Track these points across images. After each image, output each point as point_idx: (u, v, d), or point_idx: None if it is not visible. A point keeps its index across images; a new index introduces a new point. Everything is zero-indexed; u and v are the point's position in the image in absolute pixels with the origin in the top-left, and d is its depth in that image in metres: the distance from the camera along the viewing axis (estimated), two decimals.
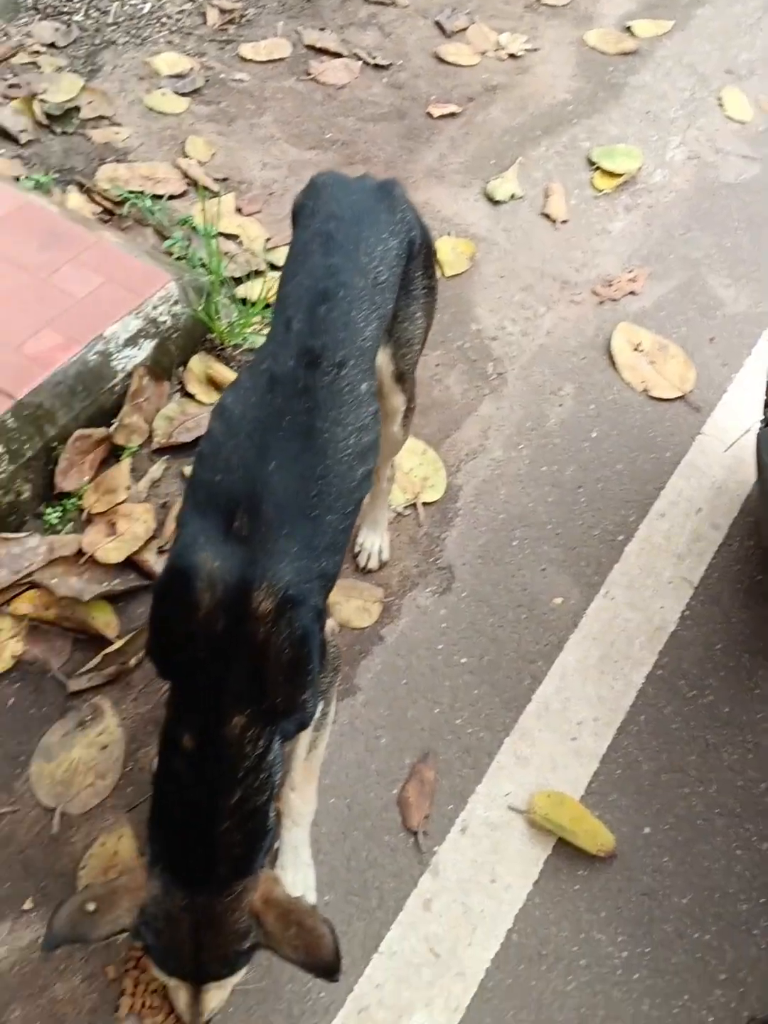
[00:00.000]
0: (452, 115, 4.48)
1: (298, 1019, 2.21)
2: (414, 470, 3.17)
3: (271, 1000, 2.22)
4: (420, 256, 2.38)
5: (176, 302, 3.18)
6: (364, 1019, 2.23)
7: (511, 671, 2.81)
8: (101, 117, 4.02)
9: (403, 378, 2.49)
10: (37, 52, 4.15)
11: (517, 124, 4.53)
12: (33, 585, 2.65)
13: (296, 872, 2.34)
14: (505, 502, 3.19)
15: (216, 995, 1.95)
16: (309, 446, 1.95)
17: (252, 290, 3.42)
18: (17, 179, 3.52)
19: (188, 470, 3.03)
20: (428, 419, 3.33)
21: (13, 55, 4.09)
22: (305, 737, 2.26)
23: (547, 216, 4.11)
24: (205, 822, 1.83)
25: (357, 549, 2.95)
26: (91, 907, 1.79)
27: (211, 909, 1.84)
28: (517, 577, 3.01)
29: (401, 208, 2.33)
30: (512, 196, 4.17)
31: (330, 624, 2.18)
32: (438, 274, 2.53)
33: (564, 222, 4.11)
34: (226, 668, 1.81)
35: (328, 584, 2.03)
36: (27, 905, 2.24)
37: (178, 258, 3.47)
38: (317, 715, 2.18)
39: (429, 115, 4.46)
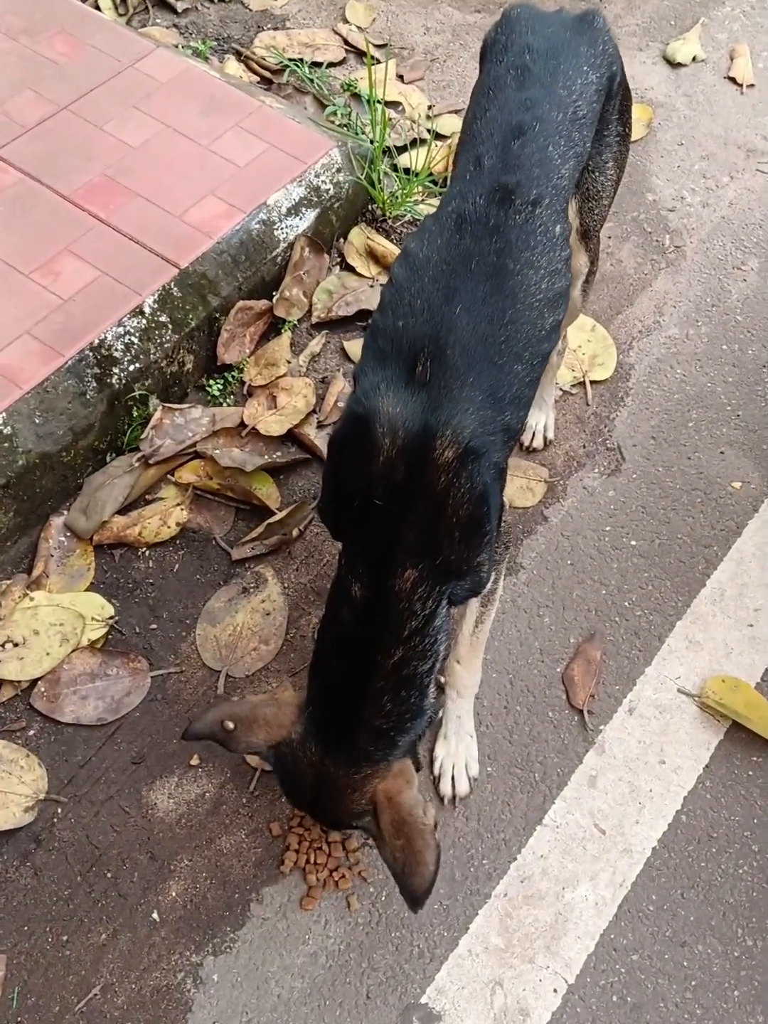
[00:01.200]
0: None
1: (461, 883, 2.26)
2: (582, 347, 3.09)
3: (439, 868, 2.27)
4: (617, 96, 2.28)
5: (339, 170, 3.16)
6: (526, 887, 2.27)
7: (684, 555, 2.75)
8: None
9: (588, 235, 2.41)
10: None
11: None
12: (197, 455, 2.72)
13: (460, 742, 2.38)
14: (681, 382, 3.08)
15: None
16: (498, 288, 1.90)
17: (414, 159, 3.36)
18: (176, 47, 3.53)
19: (348, 345, 3.04)
20: (598, 294, 3.23)
21: None
22: (472, 611, 2.26)
23: (732, 80, 3.90)
24: (362, 676, 1.84)
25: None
26: (229, 726, 1.90)
27: (335, 779, 1.88)
28: (693, 460, 2.92)
29: (603, 40, 2.23)
30: (694, 59, 3.96)
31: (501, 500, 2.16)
32: (631, 116, 2.41)
33: (751, 86, 3.89)
34: (403, 518, 1.80)
35: (511, 439, 1.98)
36: (194, 761, 2.34)
37: (340, 126, 3.43)
38: (487, 587, 2.18)
39: None
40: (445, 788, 2.34)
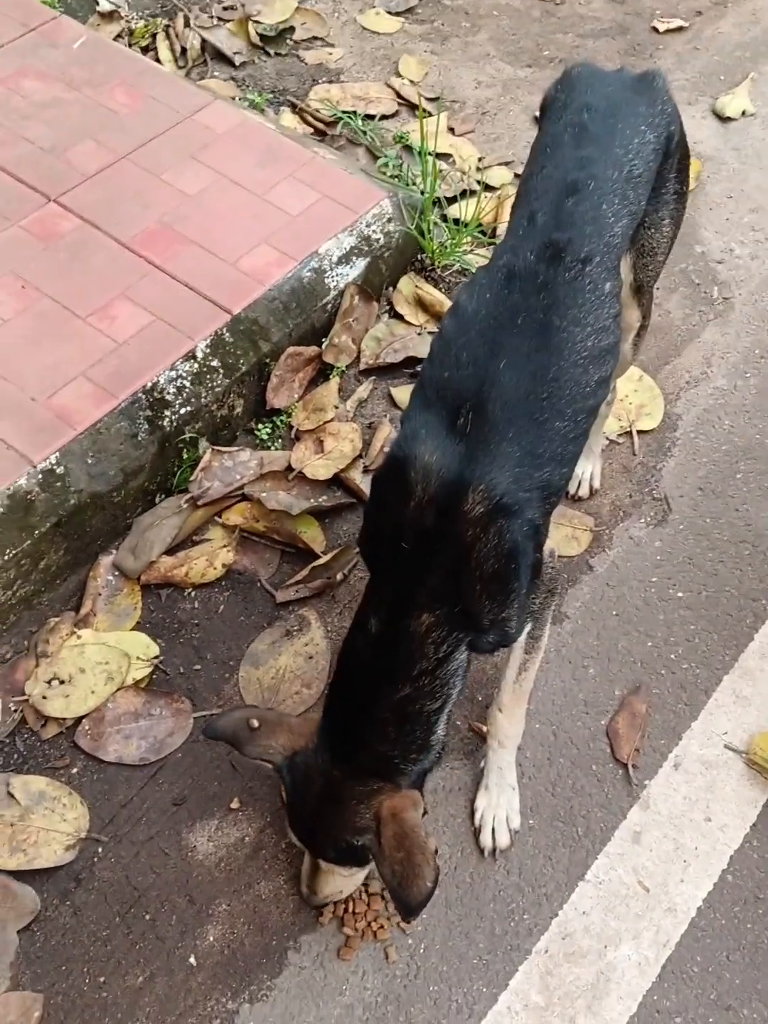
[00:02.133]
0: (679, 29, 4.32)
1: (501, 938, 2.22)
2: (629, 397, 3.09)
3: (473, 917, 2.24)
4: (675, 155, 2.29)
5: (389, 220, 3.20)
6: (568, 945, 2.23)
7: (731, 608, 2.72)
8: (314, 38, 4.07)
9: (642, 290, 2.42)
10: None
11: (750, 38, 4.32)
12: (244, 498, 2.74)
13: (501, 794, 2.35)
14: (729, 433, 3.07)
15: (330, 881, 2.07)
16: (543, 345, 1.92)
17: (464, 210, 3.39)
18: (233, 99, 3.61)
19: (395, 391, 3.06)
20: (646, 344, 3.21)
21: None
22: (515, 659, 2.25)
23: None
24: (366, 703, 1.90)
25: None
26: (255, 724, 1.98)
27: (339, 788, 1.93)
28: (741, 511, 2.90)
29: (662, 100, 2.25)
30: (743, 113, 3.99)
31: (548, 544, 2.15)
32: (690, 175, 2.42)
33: None
34: (427, 563, 1.84)
35: (550, 497, 1.99)
36: (234, 804, 2.34)
37: (392, 177, 3.48)
38: (525, 636, 2.17)
39: (654, 30, 4.30)
40: (485, 840, 2.31)
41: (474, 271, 2.13)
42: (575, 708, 2.55)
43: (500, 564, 1.86)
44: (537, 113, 2.38)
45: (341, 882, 2.09)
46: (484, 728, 2.42)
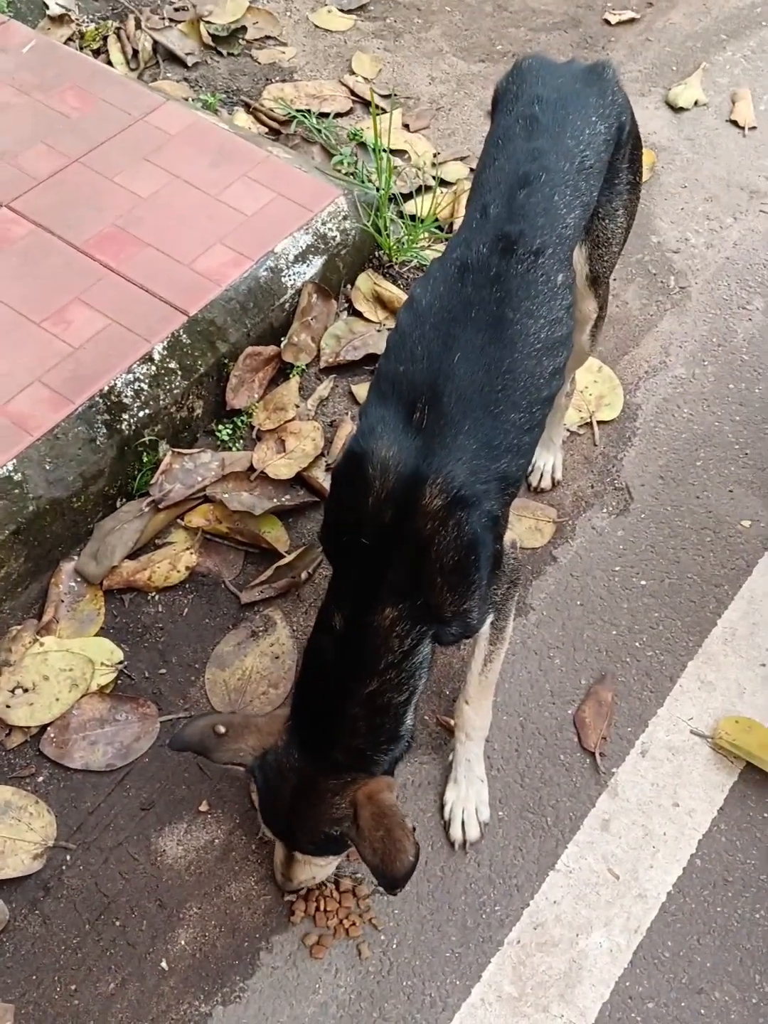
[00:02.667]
0: (631, 21, 4.34)
1: (473, 931, 2.23)
2: (589, 388, 3.10)
3: (445, 910, 2.25)
4: (627, 146, 2.30)
5: (345, 217, 3.19)
6: (540, 934, 2.23)
7: (694, 594, 2.74)
8: (267, 37, 4.06)
9: (598, 281, 2.43)
10: None
11: (700, 29, 4.34)
12: (206, 499, 2.73)
13: (470, 786, 2.35)
14: (688, 421, 3.09)
15: (305, 869, 2.08)
16: (497, 337, 1.92)
17: (420, 206, 3.40)
18: (185, 100, 3.59)
19: (356, 389, 3.06)
20: (604, 335, 3.23)
21: None
22: (480, 651, 2.26)
23: (734, 123, 3.95)
24: (335, 701, 1.91)
25: (529, 469, 2.91)
26: (221, 730, 1.97)
27: (315, 783, 1.94)
28: (701, 498, 2.92)
29: (612, 90, 2.26)
30: (695, 103, 4.01)
31: (510, 536, 2.17)
32: (642, 165, 2.44)
33: (753, 128, 3.93)
34: (387, 558, 1.85)
35: (508, 489, 2.00)
36: (203, 807, 2.33)
37: (347, 174, 3.48)
38: (488, 628, 2.19)
39: (606, 22, 4.32)
40: (455, 833, 2.32)
41: (429, 264, 2.12)
42: (542, 698, 2.56)
43: (460, 556, 1.87)
44: (490, 107, 2.38)
45: (315, 869, 2.10)
46: (451, 722, 2.43)
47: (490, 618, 2.17)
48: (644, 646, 2.65)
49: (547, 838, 2.36)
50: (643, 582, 2.76)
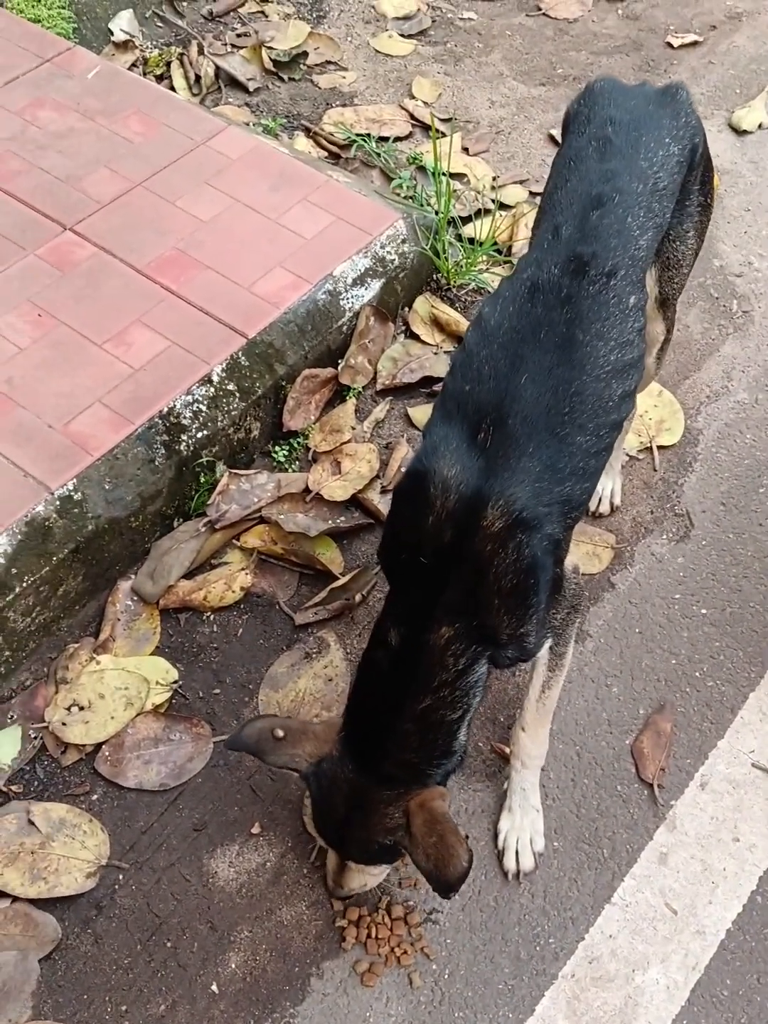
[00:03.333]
0: (694, 44, 4.33)
1: (526, 963, 2.20)
2: (649, 412, 3.08)
3: (498, 942, 2.22)
4: (699, 168, 2.31)
5: (404, 241, 3.21)
6: (595, 969, 2.20)
7: (756, 624, 2.70)
8: (328, 62, 4.11)
9: (667, 304, 2.42)
10: (265, 0, 4.27)
11: (764, 51, 4.33)
12: (262, 520, 2.75)
13: (525, 815, 2.33)
14: (751, 447, 3.05)
15: (357, 877, 2.09)
16: (566, 359, 1.92)
17: (479, 229, 3.41)
18: (247, 125, 3.64)
19: (412, 411, 3.07)
20: (667, 360, 3.22)
21: (241, 4, 4.23)
22: (538, 678, 2.24)
23: None
24: (388, 715, 1.92)
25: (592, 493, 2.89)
26: (279, 734, 2.00)
27: (369, 794, 1.95)
28: (764, 525, 2.88)
29: (685, 112, 2.26)
30: (760, 126, 3.99)
31: (571, 561, 2.15)
32: (713, 188, 2.44)
33: None
34: (446, 577, 1.84)
35: (571, 513, 1.98)
36: (255, 829, 2.33)
37: (406, 197, 3.50)
38: (547, 653, 2.17)
39: (668, 45, 4.32)
40: (509, 863, 2.30)
41: (498, 284, 2.13)
42: (599, 727, 2.53)
43: (519, 579, 1.87)
44: (555, 131, 2.41)
45: (367, 877, 2.11)
46: (507, 749, 2.41)
47: (548, 643, 2.15)
48: (704, 676, 2.61)
49: (603, 870, 2.33)
50: (704, 611, 2.73)
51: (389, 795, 1.95)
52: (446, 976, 2.18)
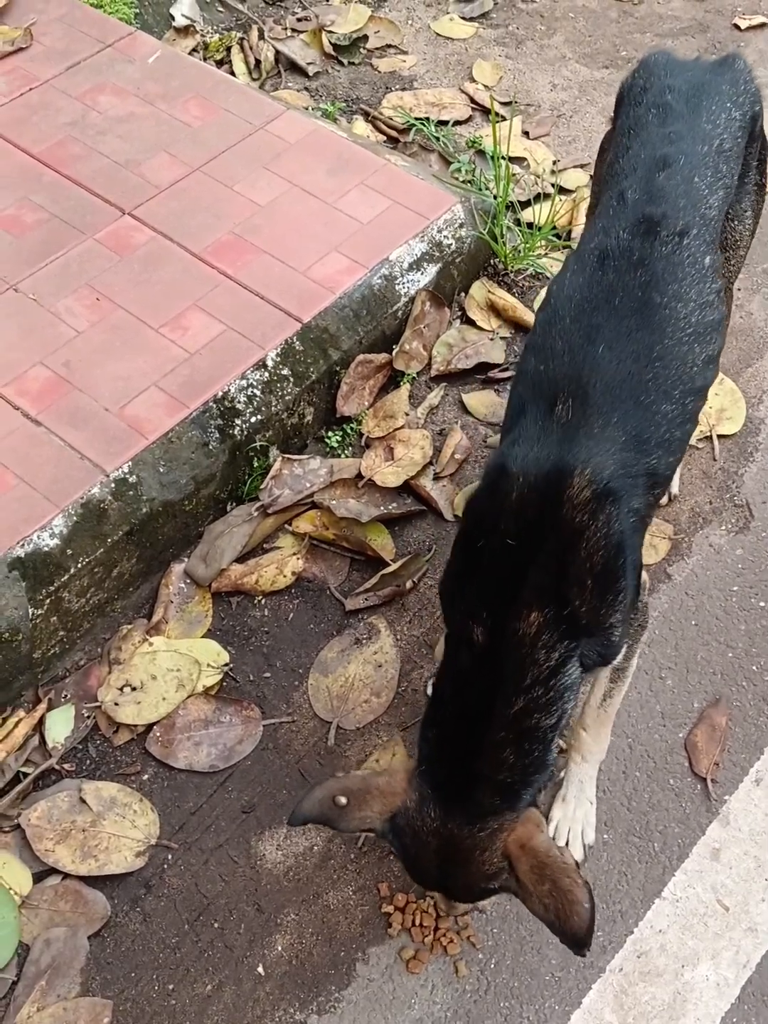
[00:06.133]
0: (761, 26, 4.25)
1: (573, 957, 2.16)
2: (710, 401, 3.01)
3: (544, 932, 2.14)
4: (758, 142, 2.26)
5: (461, 225, 3.19)
6: (644, 963, 2.18)
7: None
8: (388, 46, 4.08)
9: (724, 288, 2.36)
10: None
11: None
12: (314, 506, 2.75)
13: (578, 807, 2.31)
14: None
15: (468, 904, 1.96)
16: (645, 323, 1.86)
17: (538, 214, 3.37)
18: (306, 109, 3.64)
19: (466, 398, 3.05)
20: (727, 347, 3.13)
21: None
22: (601, 685, 2.17)
23: None
24: (479, 726, 1.74)
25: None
26: (342, 801, 1.79)
27: (460, 841, 1.77)
28: None
29: (744, 78, 2.24)
30: None
31: (643, 577, 2.06)
32: None
33: None
34: (532, 556, 1.72)
35: (656, 487, 1.90)
36: None
37: (464, 182, 3.47)
38: (619, 659, 2.03)
39: (735, 27, 4.24)
40: None
41: (565, 259, 2.09)
42: (652, 720, 2.50)
43: (608, 555, 1.75)
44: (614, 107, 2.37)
45: (480, 904, 1.98)
46: (562, 743, 2.38)
47: (623, 650, 2.01)
48: (762, 670, 2.56)
49: (654, 865, 2.30)
50: (762, 603, 2.68)
51: (482, 837, 1.76)
52: (492, 965, 2.17)
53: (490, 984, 2.15)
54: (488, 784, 1.77)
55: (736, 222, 2.26)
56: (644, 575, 2.06)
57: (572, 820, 2.31)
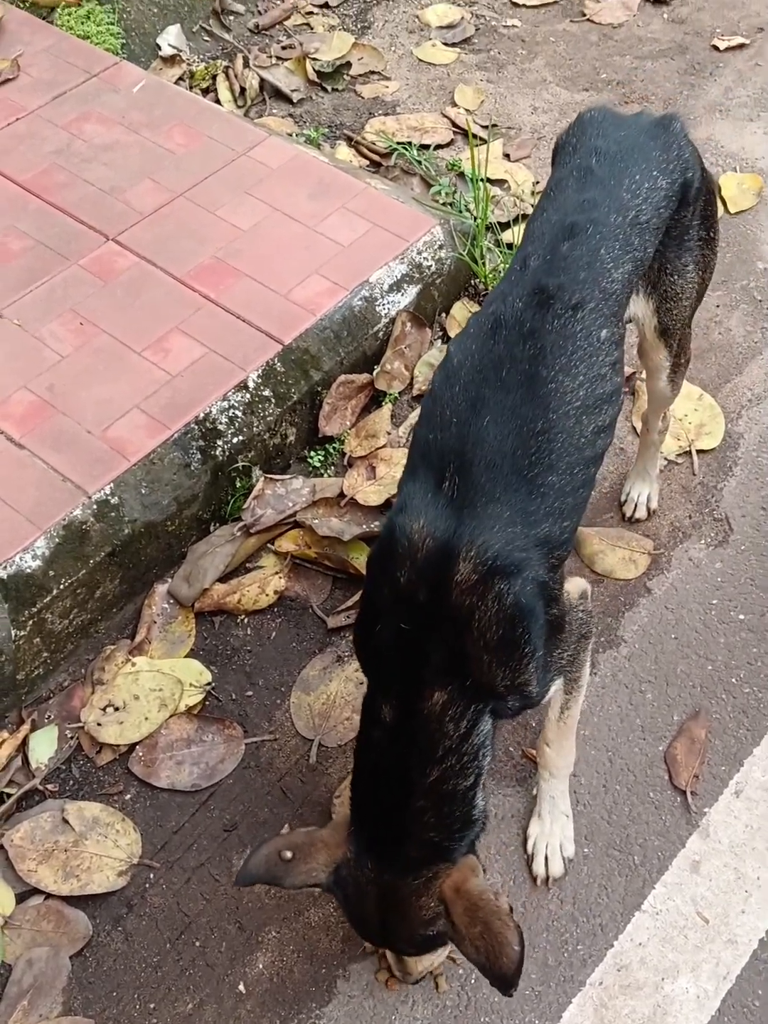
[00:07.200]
0: (740, 47, 4.28)
1: (554, 969, 2.18)
2: (688, 417, 3.04)
3: (526, 947, 2.17)
4: (697, 203, 2.23)
5: (441, 247, 3.22)
6: (623, 976, 2.18)
7: None
8: (371, 72, 4.13)
9: (668, 333, 2.36)
10: (310, 13, 4.32)
11: None
12: (297, 525, 2.77)
13: (553, 822, 2.31)
14: None
15: (421, 962, 1.98)
16: (530, 397, 1.84)
17: (518, 235, 3.39)
18: (289, 136, 3.68)
19: None
20: (705, 363, 3.19)
21: (287, 18, 4.28)
22: (556, 701, 2.17)
23: None
24: (398, 798, 1.80)
25: (623, 498, 2.87)
26: (288, 855, 1.84)
27: (397, 890, 1.82)
28: None
29: (677, 145, 2.19)
30: None
31: (581, 587, 2.09)
32: (718, 221, 2.38)
33: None
34: (426, 639, 1.75)
35: (554, 553, 1.89)
36: (285, 830, 2.33)
37: (444, 204, 3.51)
38: (558, 684, 2.06)
39: (714, 48, 4.27)
40: (538, 868, 2.28)
41: (467, 320, 2.08)
42: (632, 733, 2.50)
43: (504, 629, 1.76)
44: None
45: (431, 957, 1.99)
46: (534, 753, 2.39)
47: (557, 685, 2.05)
48: (741, 682, 2.57)
49: (634, 877, 2.30)
50: (741, 616, 2.69)
51: (418, 885, 1.81)
52: (473, 980, 2.17)
53: (471, 999, 2.15)
54: (416, 841, 1.82)
55: (676, 277, 2.25)
56: (580, 587, 2.07)
57: (549, 835, 2.30)
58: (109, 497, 2.62)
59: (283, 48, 4.15)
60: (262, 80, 4.02)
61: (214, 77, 4.01)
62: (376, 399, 3.07)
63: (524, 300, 1.92)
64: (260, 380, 2.87)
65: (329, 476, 2.92)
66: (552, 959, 2.20)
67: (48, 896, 2.21)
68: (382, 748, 1.83)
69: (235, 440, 2.79)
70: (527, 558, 1.80)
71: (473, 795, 1.85)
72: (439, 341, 3.21)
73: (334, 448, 2.97)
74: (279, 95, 4.01)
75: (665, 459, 2.96)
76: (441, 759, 1.79)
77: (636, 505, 2.85)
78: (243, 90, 3.99)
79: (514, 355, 1.88)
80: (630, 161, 2.12)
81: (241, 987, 2.15)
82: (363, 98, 4.05)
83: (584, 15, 4.43)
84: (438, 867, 1.82)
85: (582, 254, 1.97)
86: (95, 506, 2.60)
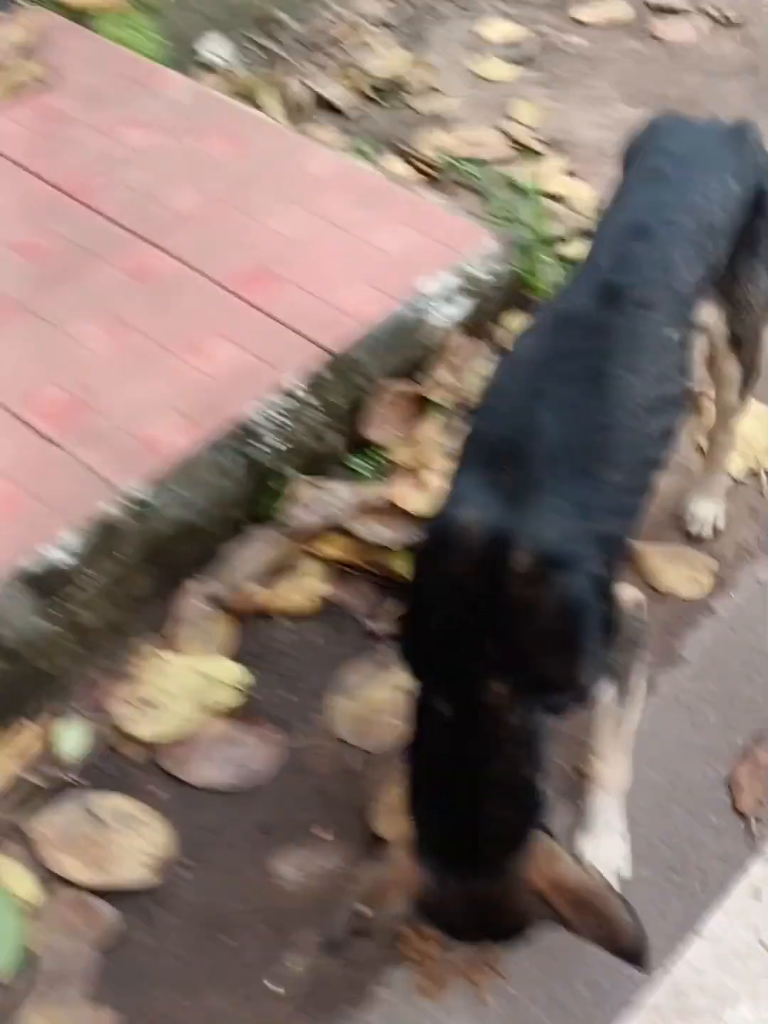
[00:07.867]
0: None
1: (607, 992, 2.37)
2: (757, 435, 3.34)
3: (576, 965, 2.40)
4: None
5: (495, 259, 3.58)
6: (680, 1002, 2.37)
7: None
8: (427, 88, 4.56)
9: (740, 343, 2.64)
10: (368, 31, 4.79)
11: None
12: (339, 530, 3.07)
13: (609, 839, 2.52)
14: None
15: None
16: (593, 392, 2.07)
17: (579, 250, 3.76)
18: (340, 149, 4.09)
19: None
20: None
21: (347, 36, 4.74)
22: (609, 713, 2.39)
23: None
24: (467, 797, 1.97)
25: (688, 517, 3.15)
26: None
27: (490, 895, 2.00)
28: None
29: (752, 152, 2.47)
30: None
31: (636, 597, 2.33)
32: None
33: None
34: (483, 631, 1.95)
35: (613, 551, 2.11)
36: (323, 834, 2.56)
37: (500, 218, 3.89)
38: (613, 692, 2.31)
39: None
40: None
41: (533, 314, 2.37)
42: (694, 756, 2.73)
43: (562, 622, 1.98)
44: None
45: None
46: (585, 769, 2.61)
47: (610, 691, 2.28)
48: None
49: (692, 902, 2.50)
50: None
51: (507, 881, 1.98)
52: (521, 998, 2.35)
53: (516, 1015, 2.34)
54: (492, 840, 2.00)
55: (750, 284, 2.52)
56: (634, 597, 2.30)
57: (606, 855, 2.50)
58: (143, 495, 2.92)
59: (341, 65, 4.59)
60: (312, 91, 4.45)
61: (260, 87, 4.45)
62: (424, 409, 3.40)
63: (592, 297, 2.17)
64: (302, 385, 3.18)
65: (374, 483, 3.23)
66: (607, 982, 2.38)
67: (75, 887, 2.45)
68: (443, 746, 2.00)
69: (275, 443, 3.10)
70: (584, 552, 2.02)
71: (540, 778, 2.04)
72: (491, 353, 3.56)
73: (379, 455, 3.29)
74: (330, 108, 4.43)
75: (732, 479, 3.26)
76: (508, 751, 1.98)
77: (702, 523, 3.12)
78: (293, 101, 4.41)
79: (578, 350, 2.12)
80: (703, 166, 2.40)
81: (280, 989, 2.36)
82: (418, 113, 4.46)
83: (652, 34, 4.88)
84: (515, 861, 1.99)
85: (653, 255, 2.23)
86: (129, 503, 2.89)
